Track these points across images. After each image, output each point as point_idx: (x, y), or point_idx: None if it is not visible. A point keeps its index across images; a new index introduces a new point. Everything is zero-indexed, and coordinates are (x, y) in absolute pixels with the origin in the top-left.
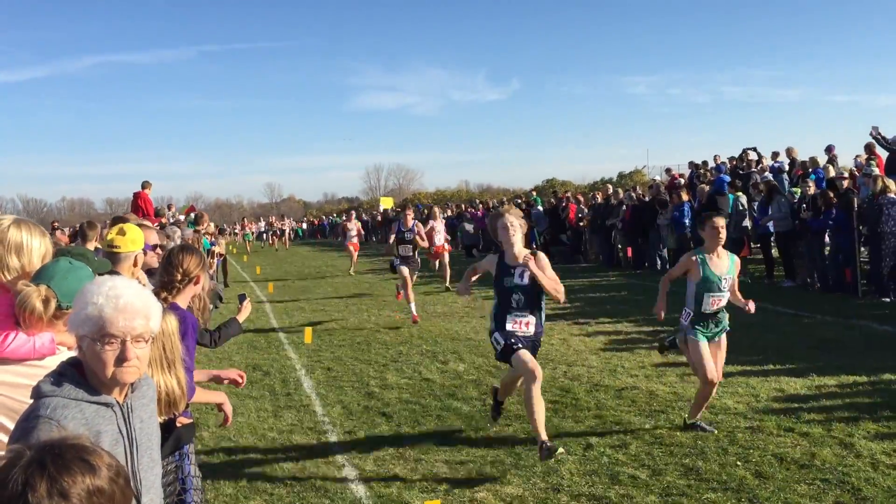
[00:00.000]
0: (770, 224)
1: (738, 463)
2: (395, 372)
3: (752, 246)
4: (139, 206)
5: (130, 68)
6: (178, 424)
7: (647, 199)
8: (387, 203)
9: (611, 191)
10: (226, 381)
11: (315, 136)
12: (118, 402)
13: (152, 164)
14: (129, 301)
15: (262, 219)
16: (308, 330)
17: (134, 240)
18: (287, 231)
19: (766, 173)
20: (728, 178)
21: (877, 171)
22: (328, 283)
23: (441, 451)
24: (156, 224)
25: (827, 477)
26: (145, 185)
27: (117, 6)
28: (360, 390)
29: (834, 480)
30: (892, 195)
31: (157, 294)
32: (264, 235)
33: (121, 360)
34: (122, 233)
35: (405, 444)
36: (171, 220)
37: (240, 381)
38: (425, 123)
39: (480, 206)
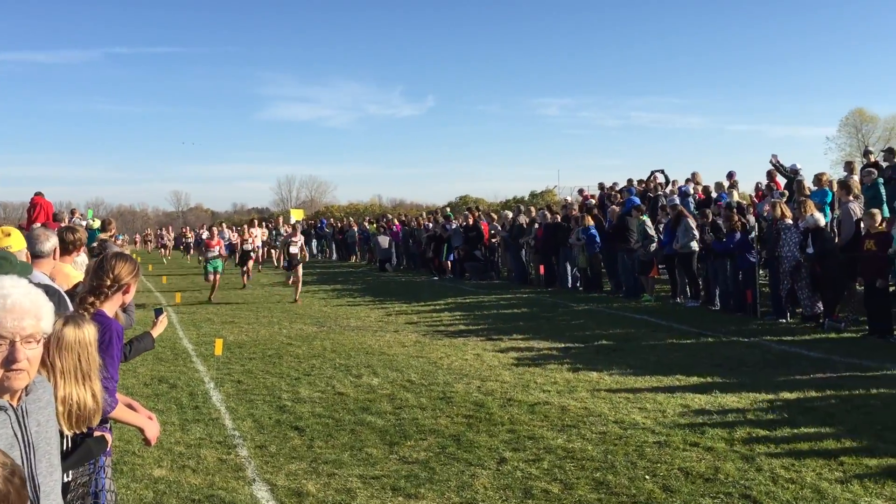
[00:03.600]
0: (677, 246)
1: (647, 477)
2: (308, 385)
3: (659, 267)
4: (36, 211)
5: (30, 68)
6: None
7: (559, 218)
8: (297, 215)
9: (524, 209)
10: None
11: (226, 145)
12: (12, 406)
13: (51, 167)
14: (17, 301)
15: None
16: (219, 341)
17: (18, 239)
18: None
19: (674, 196)
20: (637, 200)
21: (784, 195)
22: (238, 294)
23: (355, 466)
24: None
25: (730, 490)
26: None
27: (17, 3)
28: (272, 404)
29: (736, 494)
30: (789, 221)
31: (84, 299)
32: (182, 246)
33: (10, 361)
34: (7, 233)
35: (318, 459)
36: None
37: (150, 435)
38: (340, 136)
39: (395, 220)
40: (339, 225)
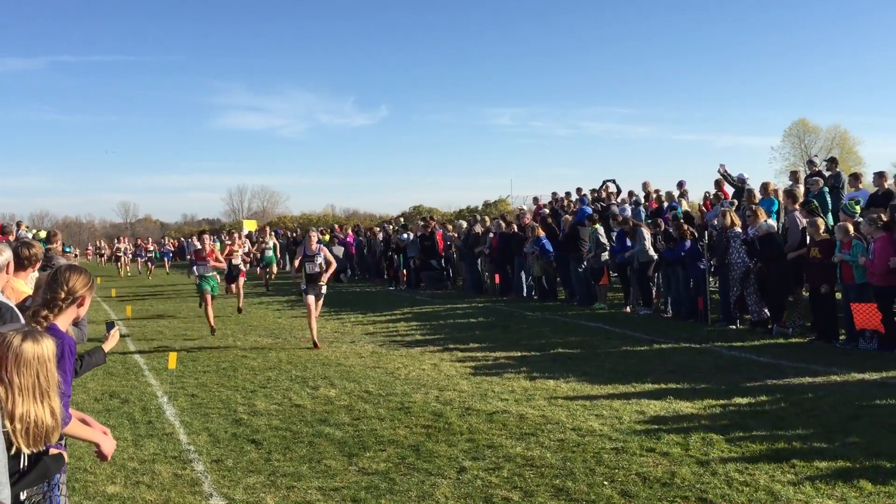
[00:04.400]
0: (630, 254)
1: (605, 483)
2: (264, 398)
3: (612, 275)
4: None
5: None
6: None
7: (514, 227)
8: (250, 226)
9: (479, 219)
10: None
11: (175, 156)
12: None
13: None
14: None
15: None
16: (172, 355)
17: None
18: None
19: (626, 206)
20: (590, 210)
21: (733, 204)
22: (190, 307)
23: (314, 478)
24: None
25: (686, 494)
26: None
27: None
28: (228, 417)
29: (693, 497)
30: (738, 229)
31: (37, 313)
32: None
33: None
34: None
35: (276, 472)
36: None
37: (106, 450)
38: (292, 146)
39: (350, 230)
40: (292, 236)
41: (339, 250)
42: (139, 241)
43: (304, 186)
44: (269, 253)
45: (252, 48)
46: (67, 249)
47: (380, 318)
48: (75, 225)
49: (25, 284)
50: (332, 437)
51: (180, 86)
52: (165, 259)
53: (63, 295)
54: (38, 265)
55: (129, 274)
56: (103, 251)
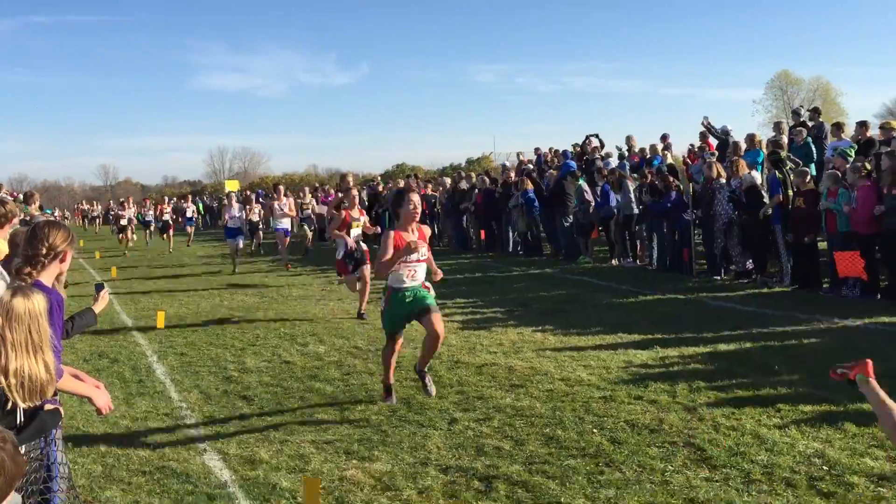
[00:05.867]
0: (615, 207)
1: (595, 430)
2: (254, 355)
3: (599, 229)
4: None
5: None
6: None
7: (498, 183)
8: (232, 186)
9: (464, 175)
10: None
11: (154, 117)
12: None
13: None
14: None
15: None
16: (160, 314)
17: None
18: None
19: (610, 159)
20: (574, 164)
21: (715, 156)
22: (176, 268)
23: (306, 432)
24: None
25: (675, 440)
26: None
27: None
28: (218, 375)
29: (681, 443)
30: (723, 180)
31: (20, 270)
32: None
33: None
34: None
35: (269, 427)
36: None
37: (101, 403)
38: (273, 106)
39: (332, 190)
40: (275, 195)
41: (322, 209)
42: (146, 202)
43: (286, 146)
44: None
45: (230, 6)
46: (48, 211)
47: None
48: (55, 188)
49: (3, 243)
50: (322, 392)
51: (158, 45)
52: (189, 226)
53: (44, 251)
54: (13, 222)
55: (132, 247)
56: (93, 213)
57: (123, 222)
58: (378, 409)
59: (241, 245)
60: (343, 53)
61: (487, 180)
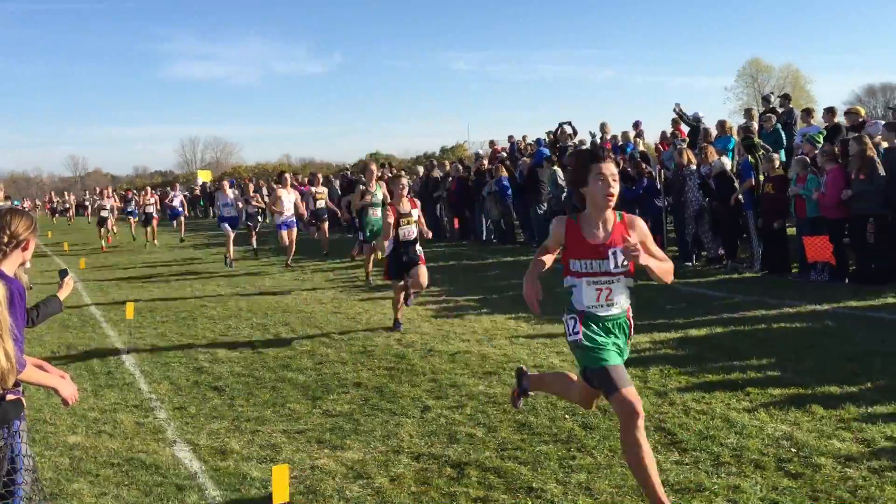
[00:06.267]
0: None
1: (567, 416)
2: (226, 346)
3: None
4: None
5: None
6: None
7: (472, 171)
8: (205, 176)
9: (437, 163)
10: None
11: (124, 107)
12: None
13: None
14: None
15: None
16: (130, 305)
17: None
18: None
19: (583, 147)
20: (547, 152)
21: (686, 142)
22: (146, 258)
23: (278, 422)
24: None
25: (645, 424)
26: None
27: None
28: (189, 365)
29: (652, 427)
30: (693, 167)
31: None
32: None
33: None
34: None
35: (240, 417)
36: None
37: (66, 394)
38: (244, 95)
39: (306, 179)
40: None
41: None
42: (129, 194)
43: (258, 136)
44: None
45: None
46: (16, 202)
47: (340, 265)
48: (23, 179)
49: None
50: (295, 382)
51: (127, 34)
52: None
53: (6, 239)
54: None
55: (114, 243)
56: (64, 206)
57: (105, 213)
58: (351, 398)
59: (231, 234)
60: (315, 42)
61: (461, 168)
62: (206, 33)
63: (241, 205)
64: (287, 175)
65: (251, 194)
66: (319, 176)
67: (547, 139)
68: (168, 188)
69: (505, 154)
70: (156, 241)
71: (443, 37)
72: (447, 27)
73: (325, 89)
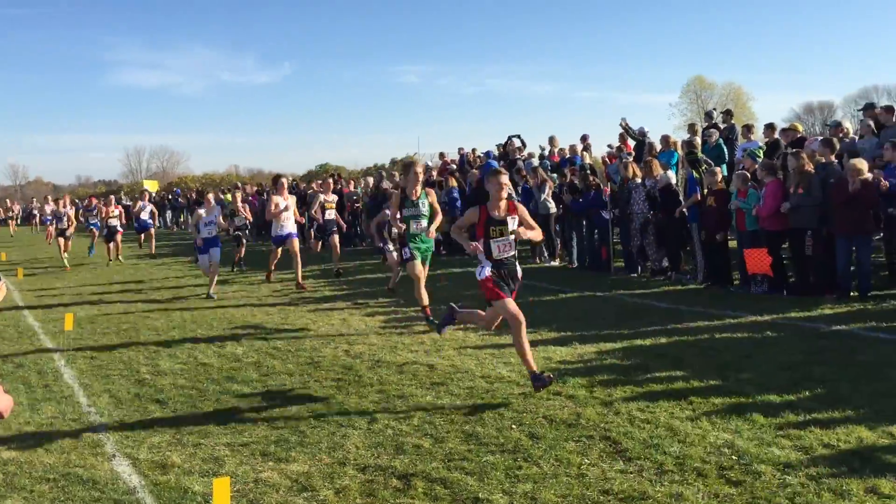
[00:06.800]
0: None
1: (514, 426)
2: (169, 358)
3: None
4: None
5: None
6: None
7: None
8: (152, 186)
9: (386, 175)
10: None
11: (66, 115)
12: None
13: None
14: None
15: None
16: (69, 316)
17: None
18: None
19: (533, 159)
20: (496, 164)
21: (631, 155)
22: (87, 269)
23: (222, 435)
24: None
25: (591, 434)
26: None
27: None
28: (130, 378)
29: (597, 436)
30: (639, 180)
31: None
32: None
33: None
34: None
35: (182, 430)
36: None
37: (1, 407)
38: (191, 104)
39: (254, 189)
40: (193, 196)
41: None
42: (93, 202)
43: (206, 146)
44: (332, 214)
45: (146, 1)
46: None
47: (287, 276)
48: None
49: None
50: (240, 394)
51: (70, 41)
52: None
53: None
54: None
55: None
56: (7, 215)
57: (62, 225)
58: (297, 410)
59: (216, 261)
60: (264, 52)
61: None
62: (153, 42)
63: (223, 220)
64: (284, 179)
65: (239, 205)
66: (329, 181)
67: (497, 151)
68: (137, 197)
69: (455, 166)
70: (121, 257)
71: (392, 49)
72: (396, 40)
73: (274, 100)
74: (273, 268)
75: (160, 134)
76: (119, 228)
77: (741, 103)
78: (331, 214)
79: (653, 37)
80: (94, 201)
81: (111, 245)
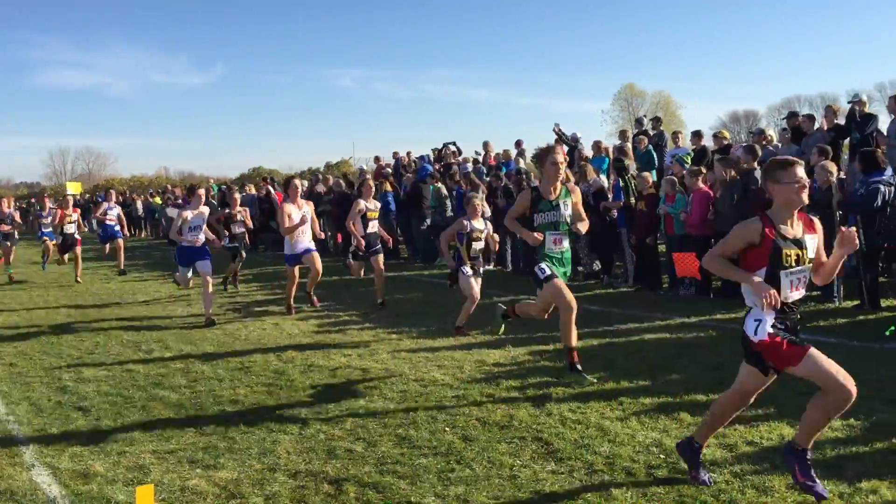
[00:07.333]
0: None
1: (447, 429)
2: (93, 364)
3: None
4: None
5: None
6: None
7: (355, 186)
8: (75, 188)
9: (321, 178)
10: None
11: None
12: None
13: None
14: None
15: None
16: None
17: None
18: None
19: (467, 164)
20: (431, 168)
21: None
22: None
23: (148, 442)
24: None
25: (523, 435)
26: None
27: None
28: (52, 385)
29: (529, 437)
30: (572, 184)
31: None
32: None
33: None
34: None
35: (106, 438)
36: None
37: None
38: (120, 105)
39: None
40: (121, 199)
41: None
42: (45, 203)
43: (134, 148)
44: (374, 227)
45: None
46: None
47: (216, 281)
48: None
49: None
50: (167, 401)
51: None
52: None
53: None
54: None
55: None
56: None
57: (6, 228)
58: (226, 416)
59: (206, 271)
60: (196, 53)
61: (343, 184)
62: (80, 41)
63: (221, 230)
64: (297, 182)
65: (237, 209)
66: (370, 184)
67: (432, 155)
68: (98, 197)
69: (389, 170)
70: (79, 275)
71: (327, 53)
72: (332, 43)
73: (206, 102)
74: (293, 295)
75: (87, 136)
76: (77, 236)
77: (670, 111)
78: (374, 226)
79: (587, 45)
80: (48, 203)
81: (65, 257)
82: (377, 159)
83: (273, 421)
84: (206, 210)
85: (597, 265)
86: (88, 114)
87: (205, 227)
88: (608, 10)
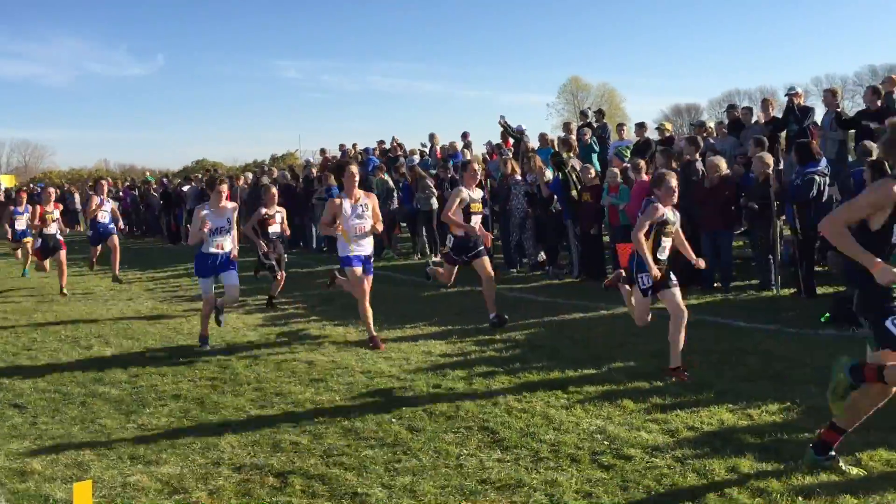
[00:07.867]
0: (416, 204)
1: (393, 420)
2: (29, 360)
3: (402, 225)
4: None
5: None
6: None
7: (301, 179)
8: (8, 182)
9: (266, 170)
10: None
11: None
12: None
13: None
14: None
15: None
16: None
17: None
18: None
19: (414, 157)
20: (377, 160)
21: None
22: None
23: (87, 439)
24: None
25: (470, 425)
26: None
27: None
28: None
29: (476, 427)
30: (518, 177)
31: None
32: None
33: None
34: None
35: (44, 435)
36: None
37: None
38: (57, 96)
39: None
40: (58, 192)
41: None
42: (22, 197)
43: (73, 140)
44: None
45: None
46: None
47: (160, 275)
48: None
49: None
50: (107, 397)
51: None
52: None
53: None
54: None
55: None
56: None
57: None
58: (169, 411)
59: (233, 283)
60: (136, 43)
61: (289, 176)
62: (13, 29)
63: (259, 240)
64: (354, 169)
65: (274, 209)
66: (473, 167)
67: (377, 149)
68: (90, 192)
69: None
70: (64, 285)
71: (272, 44)
72: (277, 34)
73: (147, 93)
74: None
75: (21, 128)
76: (60, 238)
77: (614, 104)
78: (476, 221)
79: (533, 38)
80: (24, 197)
81: (46, 262)
82: (323, 151)
83: (216, 415)
84: (231, 206)
85: (542, 256)
86: (23, 105)
87: (234, 231)
88: (553, 3)
